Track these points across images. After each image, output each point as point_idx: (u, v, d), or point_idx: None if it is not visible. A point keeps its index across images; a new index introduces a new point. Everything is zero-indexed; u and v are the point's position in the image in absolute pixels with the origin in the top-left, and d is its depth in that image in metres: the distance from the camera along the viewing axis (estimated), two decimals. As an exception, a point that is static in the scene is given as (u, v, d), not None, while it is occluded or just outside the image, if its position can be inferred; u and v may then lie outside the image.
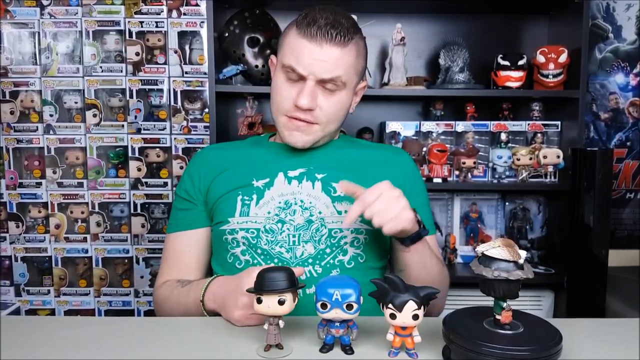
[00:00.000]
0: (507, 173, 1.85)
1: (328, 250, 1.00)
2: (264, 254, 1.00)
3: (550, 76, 1.80)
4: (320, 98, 0.98)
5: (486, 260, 0.68)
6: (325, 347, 0.74)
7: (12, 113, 2.06)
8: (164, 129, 2.08)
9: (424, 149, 1.85)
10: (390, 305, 0.68)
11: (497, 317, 0.69)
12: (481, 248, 0.69)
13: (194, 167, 1.11)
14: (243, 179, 1.04)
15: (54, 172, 2.09)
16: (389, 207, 0.87)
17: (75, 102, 2.06)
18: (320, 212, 1.01)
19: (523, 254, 0.68)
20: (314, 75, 0.96)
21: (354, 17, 1.74)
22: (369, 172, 1.06)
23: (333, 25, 0.95)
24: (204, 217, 1.09)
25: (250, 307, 0.82)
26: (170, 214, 1.13)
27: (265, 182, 1.04)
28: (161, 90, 2.07)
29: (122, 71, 2.06)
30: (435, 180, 1.79)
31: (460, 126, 1.89)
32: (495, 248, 0.68)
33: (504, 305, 0.68)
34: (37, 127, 2.06)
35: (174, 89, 2.07)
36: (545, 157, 1.77)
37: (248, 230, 1.01)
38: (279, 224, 1.00)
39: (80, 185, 2.09)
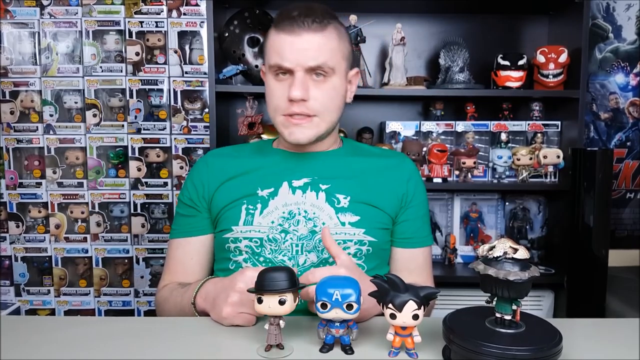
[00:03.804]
0: (507, 173, 1.85)
1: (331, 260, 0.99)
2: (266, 261, 1.00)
3: (551, 76, 1.80)
4: (312, 89, 0.98)
5: (508, 263, 0.67)
6: (325, 347, 0.74)
7: (12, 113, 2.06)
8: (164, 129, 2.08)
9: (424, 149, 1.85)
10: (390, 305, 0.68)
11: (507, 317, 0.69)
12: (495, 252, 0.68)
13: (197, 174, 1.10)
14: (248, 188, 1.04)
15: (54, 172, 2.09)
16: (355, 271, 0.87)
17: (75, 102, 2.06)
18: (324, 223, 1.00)
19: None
20: (300, 65, 0.96)
21: (355, 17, 1.76)
22: (373, 181, 1.06)
23: (307, 14, 0.96)
24: (208, 224, 1.08)
25: (240, 305, 0.82)
26: (173, 220, 1.13)
27: (269, 191, 1.03)
28: (161, 90, 2.07)
29: (122, 71, 2.06)
30: (435, 180, 1.79)
31: (460, 126, 1.89)
32: (519, 250, 0.68)
33: (519, 303, 0.69)
34: (37, 127, 2.06)
35: (174, 89, 2.07)
36: (545, 157, 1.77)
37: (251, 240, 1.01)
38: (282, 233, 1.00)
39: (80, 185, 2.09)
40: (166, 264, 1.11)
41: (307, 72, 0.97)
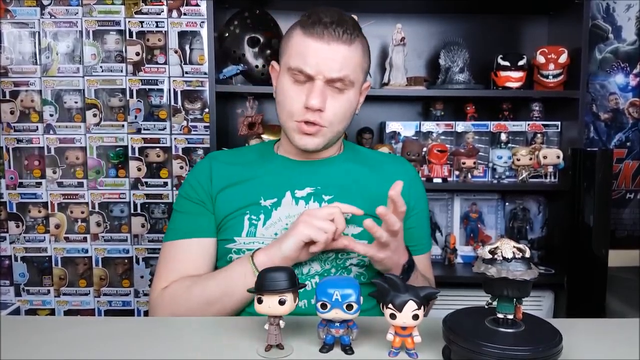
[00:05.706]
0: (507, 173, 1.85)
1: (333, 270, 1.00)
2: None
3: (550, 76, 1.80)
4: (329, 99, 0.97)
5: (517, 263, 0.67)
6: (325, 347, 0.74)
7: (12, 113, 2.06)
8: (164, 129, 2.08)
9: (424, 149, 1.84)
10: (390, 305, 0.68)
11: (509, 316, 0.69)
12: (505, 254, 0.68)
13: (201, 174, 1.07)
14: (251, 198, 1.02)
15: (54, 172, 2.09)
16: (393, 256, 0.94)
17: (75, 102, 2.06)
18: None
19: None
20: (323, 74, 0.95)
21: (355, 17, 1.75)
22: (375, 191, 1.04)
23: (339, 24, 0.94)
24: (214, 227, 1.04)
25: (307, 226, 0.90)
26: (172, 220, 1.07)
27: (273, 202, 1.02)
28: (161, 90, 2.07)
29: (122, 71, 2.06)
30: (435, 180, 1.79)
31: (460, 126, 1.89)
32: (526, 250, 0.69)
33: (521, 301, 0.69)
34: (37, 127, 2.06)
35: (174, 89, 2.07)
36: (545, 157, 1.77)
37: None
38: None
39: (80, 185, 2.09)
40: (163, 265, 1.03)
41: (327, 82, 0.96)
